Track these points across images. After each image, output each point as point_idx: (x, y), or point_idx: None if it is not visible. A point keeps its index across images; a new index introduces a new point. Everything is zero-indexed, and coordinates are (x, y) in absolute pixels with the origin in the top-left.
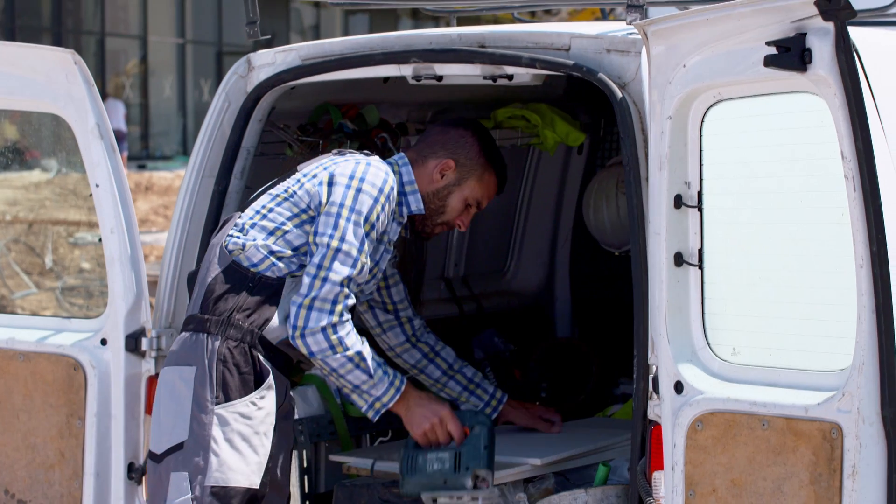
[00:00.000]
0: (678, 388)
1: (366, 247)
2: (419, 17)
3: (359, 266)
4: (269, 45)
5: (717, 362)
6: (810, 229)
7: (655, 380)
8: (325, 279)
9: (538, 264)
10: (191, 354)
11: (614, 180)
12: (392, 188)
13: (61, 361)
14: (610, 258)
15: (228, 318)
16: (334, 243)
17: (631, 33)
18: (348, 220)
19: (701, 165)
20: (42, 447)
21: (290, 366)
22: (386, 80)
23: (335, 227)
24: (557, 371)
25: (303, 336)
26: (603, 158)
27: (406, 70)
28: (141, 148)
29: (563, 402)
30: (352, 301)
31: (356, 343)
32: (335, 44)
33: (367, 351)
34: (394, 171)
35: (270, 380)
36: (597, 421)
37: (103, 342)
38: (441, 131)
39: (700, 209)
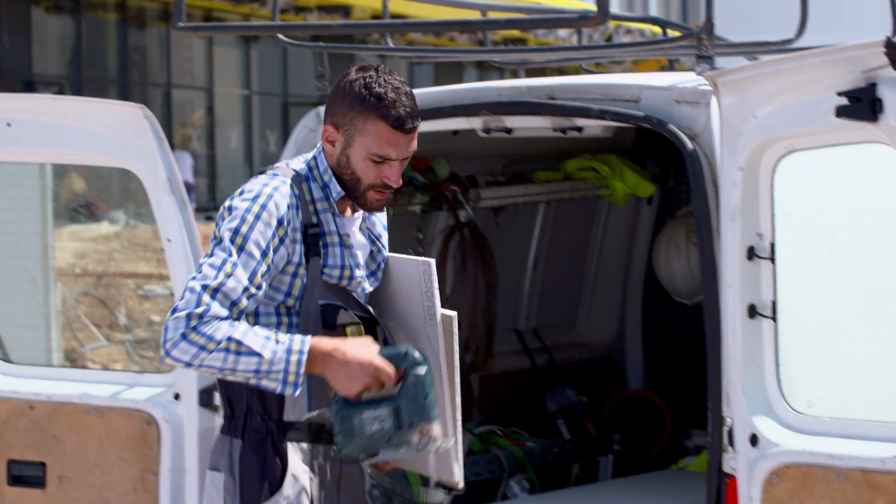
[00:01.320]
0: (753, 440)
1: (235, 256)
2: (484, 67)
3: (222, 275)
4: None
5: (793, 414)
6: (884, 280)
7: (730, 432)
8: (184, 292)
9: (609, 315)
10: (219, 459)
11: (684, 231)
12: (269, 195)
13: (135, 416)
14: (681, 308)
15: (246, 418)
16: (201, 260)
17: (701, 84)
18: (218, 240)
19: (773, 216)
20: (116, 502)
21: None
22: (455, 132)
23: (210, 251)
24: (630, 423)
25: (168, 353)
26: (673, 209)
27: (476, 123)
28: (208, 199)
29: (636, 455)
30: (220, 310)
31: (226, 331)
32: None
33: (242, 330)
34: (310, 165)
35: (290, 475)
36: (671, 473)
37: (176, 397)
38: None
39: (773, 260)
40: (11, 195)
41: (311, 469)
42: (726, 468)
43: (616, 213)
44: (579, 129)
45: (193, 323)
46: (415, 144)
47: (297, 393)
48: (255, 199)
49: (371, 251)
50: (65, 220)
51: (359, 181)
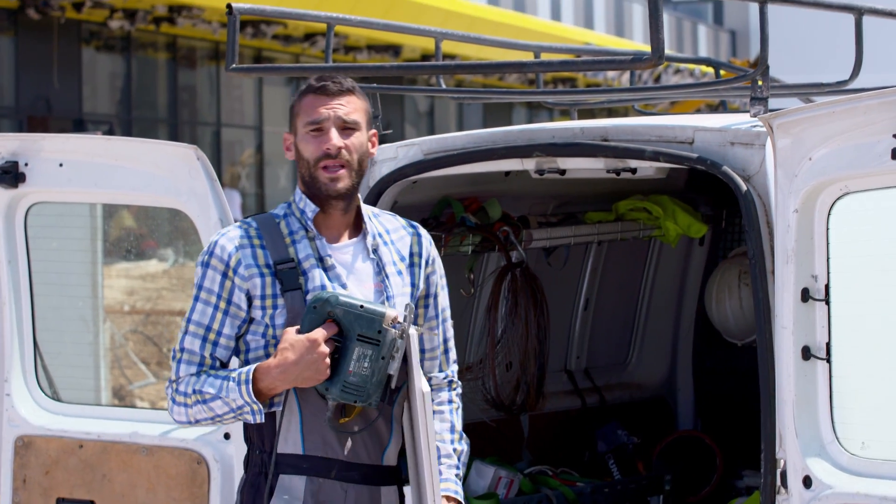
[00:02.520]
0: (807, 482)
1: (193, 311)
2: (533, 107)
3: (182, 334)
4: (384, 139)
5: (846, 456)
6: None
7: (783, 474)
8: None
9: (660, 356)
10: (236, 496)
11: (737, 271)
12: (214, 242)
13: (185, 455)
14: (732, 349)
15: (249, 451)
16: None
17: (755, 126)
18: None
19: (828, 258)
20: None
21: (327, 463)
22: (507, 173)
23: None
24: (681, 464)
25: (173, 419)
26: (725, 249)
27: (529, 164)
28: None
29: (687, 496)
30: (189, 368)
31: (192, 384)
32: (457, 138)
33: (203, 379)
34: (288, 202)
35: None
36: None
37: (226, 436)
38: None
39: (828, 302)
40: (63, 235)
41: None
42: None
43: (668, 253)
44: (633, 171)
45: (174, 387)
46: (351, 110)
47: (259, 419)
48: (204, 252)
49: (378, 285)
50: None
51: (308, 164)
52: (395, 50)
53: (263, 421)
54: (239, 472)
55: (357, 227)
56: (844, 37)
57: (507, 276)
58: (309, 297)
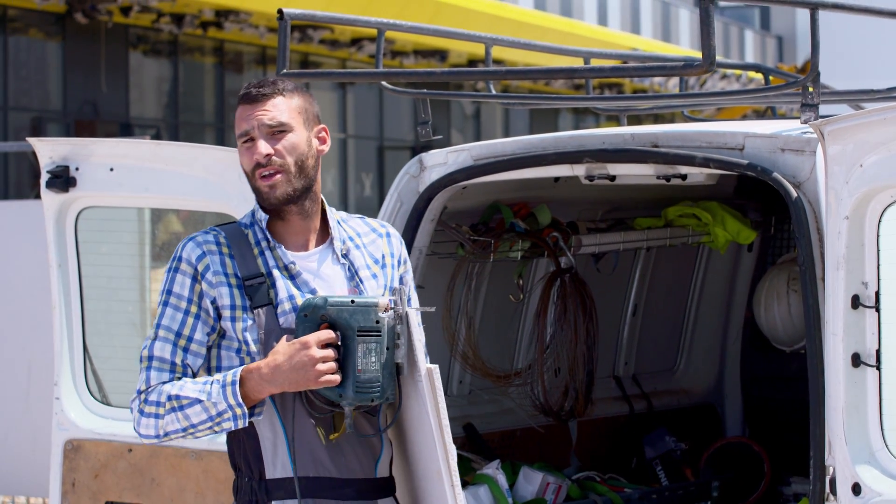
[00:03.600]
0: (856, 489)
1: (162, 316)
2: (580, 113)
3: (151, 341)
4: (432, 143)
5: None
6: None
7: (833, 481)
8: None
9: (708, 362)
10: None
11: (785, 278)
12: (181, 247)
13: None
14: (781, 356)
15: (237, 479)
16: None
17: (805, 132)
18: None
19: (878, 265)
20: None
21: (319, 482)
22: (557, 179)
23: None
24: (729, 470)
25: (138, 434)
26: (774, 256)
27: (579, 170)
28: None
29: (735, 502)
30: (160, 375)
31: (167, 390)
32: (507, 144)
33: (180, 384)
34: (252, 211)
35: None
36: None
37: None
38: None
39: (878, 309)
40: (112, 239)
41: None
42: None
43: (716, 259)
44: (683, 177)
45: (142, 397)
46: (276, 114)
47: (245, 424)
48: (172, 257)
49: (352, 290)
50: (162, 261)
51: (248, 177)
52: (441, 55)
53: (246, 426)
54: None
55: (325, 232)
56: (894, 43)
57: (556, 282)
58: (306, 301)
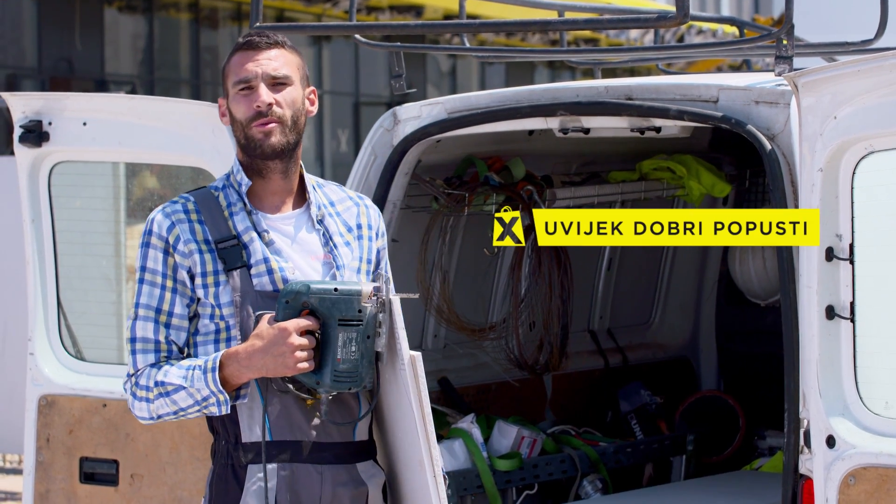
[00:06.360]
0: (830, 442)
1: (140, 294)
2: (556, 67)
3: (132, 321)
4: (406, 97)
5: (870, 416)
6: None
7: (807, 434)
8: None
9: (683, 316)
10: (205, 487)
11: None
12: (151, 220)
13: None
14: (755, 310)
15: (214, 442)
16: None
17: (780, 85)
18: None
19: (853, 218)
20: (188, 500)
21: (296, 446)
22: (531, 132)
23: None
24: (704, 424)
25: (135, 415)
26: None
27: (553, 123)
28: None
29: (710, 456)
30: (146, 357)
31: (154, 376)
32: (481, 97)
33: (165, 370)
34: (227, 173)
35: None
36: (745, 474)
37: None
38: None
39: (852, 262)
40: (86, 194)
41: (293, 493)
42: (802, 470)
43: None
44: (657, 130)
45: (133, 380)
46: (280, 65)
47: (226, 409)
48: (143, 232)
49: (326, 256)
50: (137, 217)
51: (241, 126)
52: (416, 10)
53: (229, 412)
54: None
55: (301, 197)
56: None
57: (531, 236)
58: (288, 287)
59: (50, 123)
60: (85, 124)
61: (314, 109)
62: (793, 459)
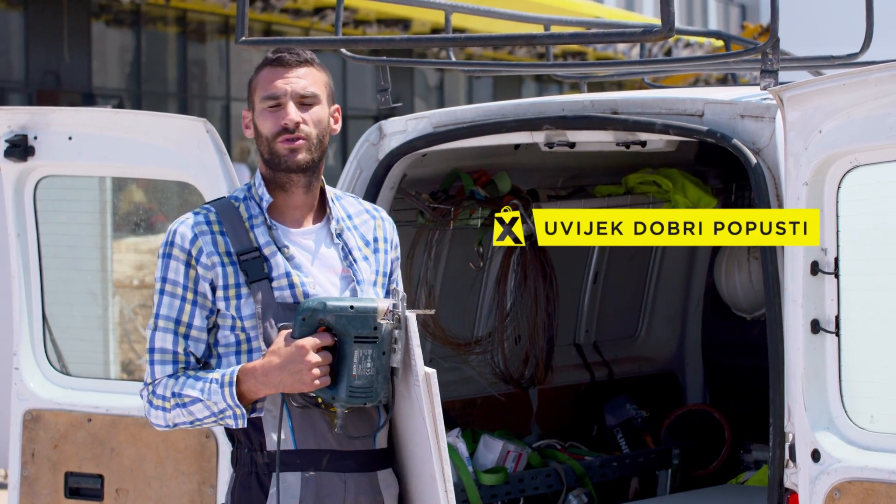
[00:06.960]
0: (815, 456)
1: (159, 305)
2: (544, 81)
3: (151, 332)
4: (393, 111)
5: (855, 430)
6: None
7: (792, 448)
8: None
9: (669, 330)
10: (226, 495)
11: (746, 246)
12: (173, 231)
13: (193, 429)
14: (741, 323)
15: (237, 450)
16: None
17: (765, 99)
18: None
19: (838, 232)
20: None
21: (319, 454)
22: (517, 146)
23: None
24: (690, 438)
25: (151, 422)
26: None
27: (539, 137)
28: None
29: (695, 469)
30: (164, 368)
31: (171, 386)
32: (467, 111)
33: (182, 381)
34: (249, 185)
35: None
36: (731, 488)
37: None
38: None
39: (837, 276)
40: (72, 208)
41: (319, 500)
42: (787, 483)
43: None
44: (643, 144)
45: (150, 389)
46: (309, 83)
47: (243, 422)
48: (164, 243)
49: (345, 270)
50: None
51: (265, 141)
52: (404, 24)
53: (245, 426)
54: None
55: (321, 210)
56: (855, 9)
57: (517, 250)
58: (304, 304)
59: (35, 138)
60: (71, 138)
61: (338, 128)
62: (778, 473)
